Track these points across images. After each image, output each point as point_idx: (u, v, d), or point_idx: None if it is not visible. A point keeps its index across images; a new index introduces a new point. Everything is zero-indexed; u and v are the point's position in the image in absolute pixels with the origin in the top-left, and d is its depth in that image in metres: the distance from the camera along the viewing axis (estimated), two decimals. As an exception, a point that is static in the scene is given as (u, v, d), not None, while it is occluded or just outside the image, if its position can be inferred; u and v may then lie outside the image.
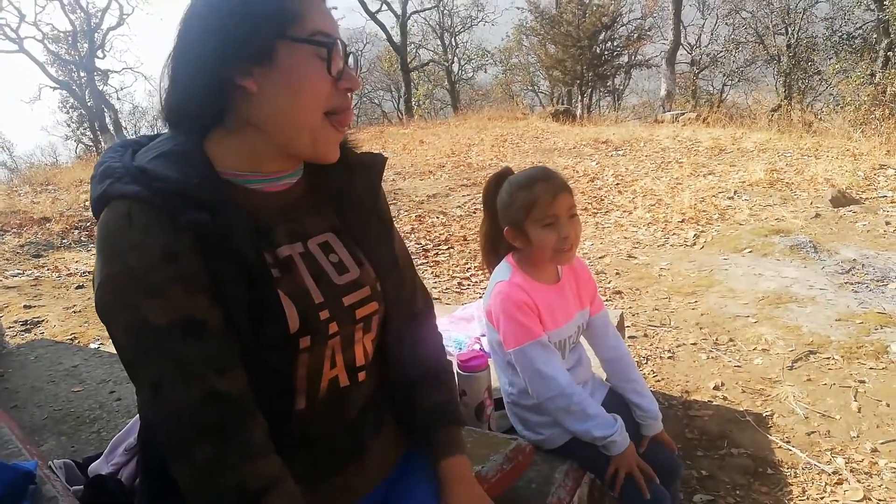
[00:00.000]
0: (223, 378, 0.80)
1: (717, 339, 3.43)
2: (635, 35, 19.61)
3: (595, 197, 6.75)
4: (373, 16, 22.43)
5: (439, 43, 27.32)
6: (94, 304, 0.82)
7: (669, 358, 3.29)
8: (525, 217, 1.54)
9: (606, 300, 4.09)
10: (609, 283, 4.41)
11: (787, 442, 2.54)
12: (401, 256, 1.11)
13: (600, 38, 18.77)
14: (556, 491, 1.52)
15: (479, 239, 1.79)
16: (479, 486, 1.07)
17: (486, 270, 1.74)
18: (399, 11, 23.29)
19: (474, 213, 6.44)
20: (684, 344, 3.42)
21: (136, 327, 0.78)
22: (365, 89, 31.14)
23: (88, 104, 19.51)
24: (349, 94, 0.90)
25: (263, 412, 0.85)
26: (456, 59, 27.79)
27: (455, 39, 27.41)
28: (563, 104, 18.31)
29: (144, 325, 0.78)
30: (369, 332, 1.00)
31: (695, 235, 5.22)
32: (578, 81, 18.82)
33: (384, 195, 1.09)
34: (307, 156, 0.92)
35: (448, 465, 1.05)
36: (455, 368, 1.61)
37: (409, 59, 24.43)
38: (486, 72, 28.74)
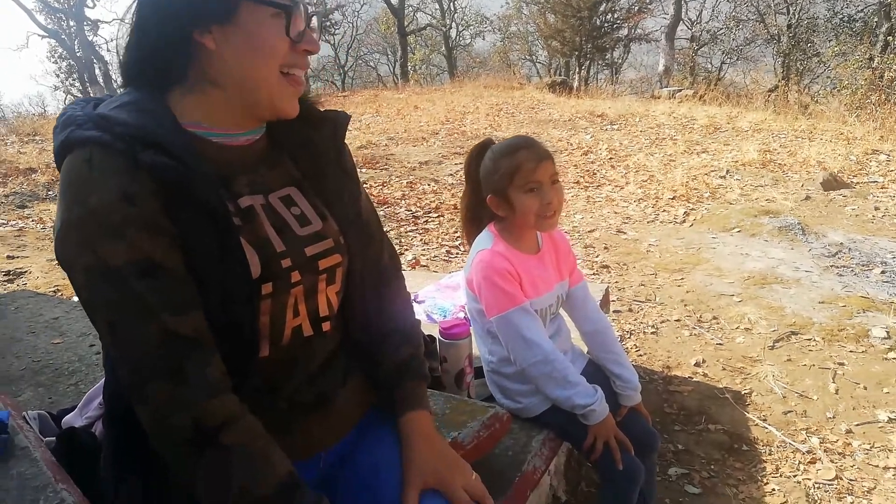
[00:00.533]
0: (179, 319, 0.80)
1: (700, 317, 3.45)
2: (636, 7, 19.34)
3: (587, 171, 6.72)
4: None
5: (437, 7, 26.84)
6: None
7: (653, 333, 3.31)
8: (509, 184, 1.54)
9: (593, 274, 4.10)
10: (597, 257, 4.42)
11: (764, 420, 2.57)
12: (367, 213, 1.12)
13: (601, 9, 18.50)
14: (532, 459, 1.53)
15: (459, 210, 1.78)
16: (442, 440, 1.07)
17: (466, 241, 1.73)
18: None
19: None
20: (668, 320, 3.44)
21: (93, 268, 0.78)
22: (361, 52, 30.69)
23: (77, 55, 19.07)
24: (309, 54, 0.92)
25: (227, 359, 0.86)
26: (454, 24, 27.36)
27: (454, 4, 26.94)
28: (560, 75, 18.13)
29: (102, 265, 0.78)
30: (333, 283, 1.01)
31: (685, 213, 5.22)
32: (577, 53, 18.61)
33: (349, 151, 1.10)
34: (266, 112, 0.93)
35: (409, 420, 1.04)
36: (437, 336, 1.60)
37: (406, 23, 24.01)
38: (483, 39, 28.40)
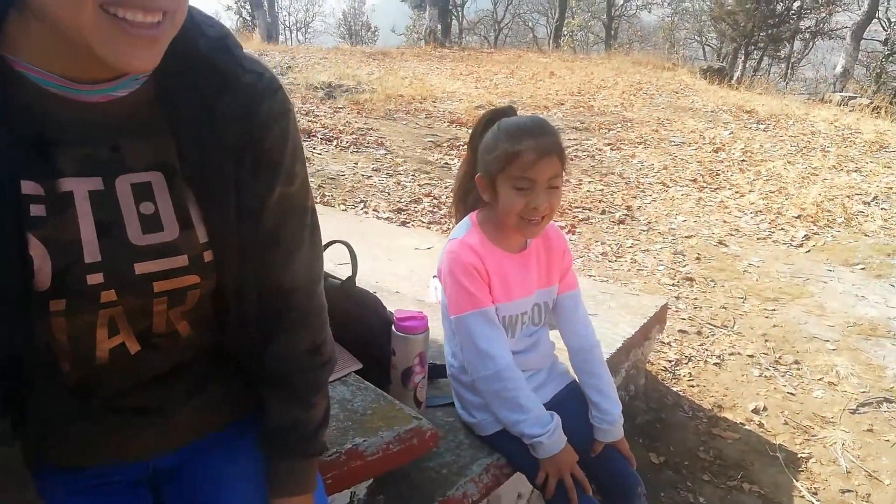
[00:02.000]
0: None
1: (779, 358, 3.02)
2: (827, -2, 17.23)
3: (711, 170, 6.12)
4: (543, -69, 21.17)
5: (607, -29, 25.47)
6: None
7: (716, 364, 2.94)
8: (500, 170, 1.33)
9: (671, 285, 3.72)
10: (684, 266, 4.00)
11: (814, 494, 2.21)
12: (276, 222, 0.85)
13: (785, -6, 16.67)
14: (464, 484, 1.35)
15: (454, 184, 1.58)
16: None
17: (454, 220, 1.53)
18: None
19: (572, 159, 6.05)
20: (739, 353, 3.04)
21: None
22: (520, 9, 29.99)
23: (250, -23, 20.11)
24: None
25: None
26: (622, -8, 25.92)
27: (625, -30, 25.47)
28: (723, 62, 16.72)
29: None
30: (181, 305, 0.81)
31: (805, 236, 4.60)
32: (746, 40, 16.99)
33: (280, 135, 0.82)
34: (97, 61, 0.66)
35: None
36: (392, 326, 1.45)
37: (570, -15, 23.06)
38: (650, 12, 26.71)
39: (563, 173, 1.36)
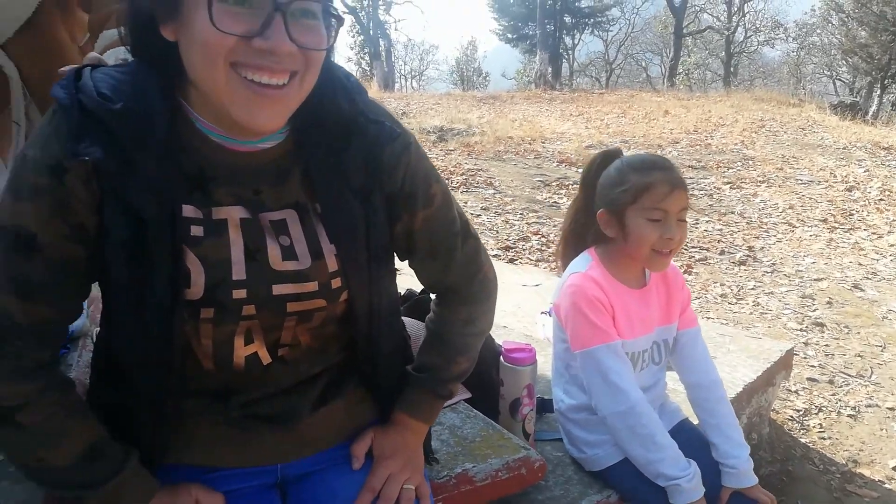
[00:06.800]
0: (22, 304, 0.77)
1: (925, 413, 2.73)
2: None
3: (843, 209, 5.70)
4: (657, -28, 21.02)
5: (724, 8, 24.77)
6: None
7: (850, 416, 2.70)
8: (631, 202, 1.33)
9: (800, 330, 3.48)
10: (814, 310, 3.73)
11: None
12: (438, 237, 0.99)
13: (928, 23, 15.44)
14: (572, 520, 1.33)
15: (562, 223, 1.59)
16: (417, 442, 1.04)
17: (559, 262, 1.53)
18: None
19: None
20: (878, 406, 2.78)
21: None
22: (633, 49, 29.73)
23: (370, 32, 21.32)
24: (271, 54, 0.75)
25: (152, 361, 0.83)
26: (742, 28, 25.06)
27: (745, 6, 24.64)
28: (860, 96, 15.67)
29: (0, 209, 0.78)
30: (307, 322, 0.90)
31: (956, 281, 4.17)
32: (882, 73, 15.83)
33: (405, 169, 0.92)
34: (235, 122, 0.78)
35: (397, 417, 1.03)
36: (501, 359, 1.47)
37: (685, 23, 22.61)
38: (773, 47, 25.61)
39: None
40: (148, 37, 0.79)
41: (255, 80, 0.75)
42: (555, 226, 5.05)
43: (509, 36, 24.31)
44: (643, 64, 30.34)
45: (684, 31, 22.53)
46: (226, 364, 0.88)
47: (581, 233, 1.49)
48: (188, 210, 0.81)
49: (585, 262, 1.41)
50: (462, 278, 1.04)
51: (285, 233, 0.86)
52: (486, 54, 31.38)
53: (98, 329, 0.96)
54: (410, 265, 1.04)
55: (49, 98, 0.78)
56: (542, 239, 4.88)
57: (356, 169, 0.89)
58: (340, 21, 0.83)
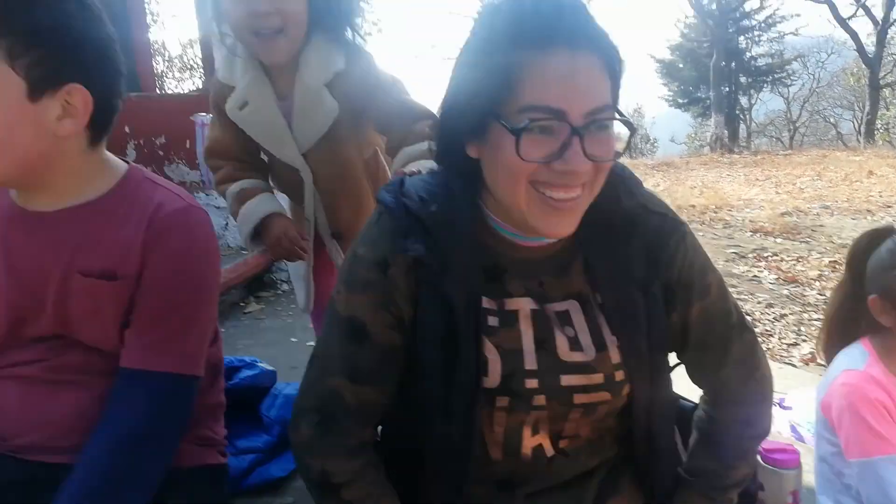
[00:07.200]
0: (352, 387, 0.88)
1: None
2: None
3: None
4: (844, 22, 19.55)
5: (930, 55, 22.29)
6: None
7: None
8: None
9: None
10: None
11: None
12: (714, 330, 0.97)
13: None
14: None
15: (826, 309, 1.47)
16: None
17: (821, 351, 1.42)
18: (879, 17, 19.73)
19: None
20: None
21: (330, 303, 0.92)
22: (819, 106, 27.60)
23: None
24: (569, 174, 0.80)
25: (450, 447, 0.90)
26: (953, 75, 22.33)
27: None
28: None
29: (336, 301, 0.91)
30: (592, 414, 0.93)
31: None
32: None
33: (683, 258, 0.94)
34: (532, 228, 0.85)
35: None
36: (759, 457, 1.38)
37: (882, 74, 20.63)
38: None
39: None
40: (454, 152, 0.89)
41: (553, 197, 0.81)
42: (759, 303, 4.71)
43: (679, 101, 23.71)
44: (832, 120, 27.98)
45: (881, 82, 20.55)
46: (514, 454, 0.93)
47: (849, 321, 1.38)
48: (485, 301, 0.89)
49: (862, 358, 1.31)
50: (737, 374, 1.00)
51: (569, 324, 0.91)
52: (654, 120, 30.79)
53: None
54: (680, 358, 1.03)
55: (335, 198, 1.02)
56: (748, 318, 4.55)
57: (638, 260, 0.92)
58: (632, 129, 0.90)
